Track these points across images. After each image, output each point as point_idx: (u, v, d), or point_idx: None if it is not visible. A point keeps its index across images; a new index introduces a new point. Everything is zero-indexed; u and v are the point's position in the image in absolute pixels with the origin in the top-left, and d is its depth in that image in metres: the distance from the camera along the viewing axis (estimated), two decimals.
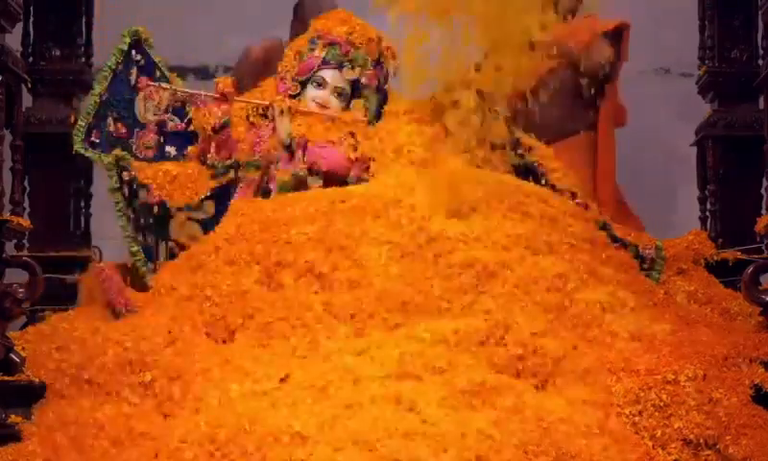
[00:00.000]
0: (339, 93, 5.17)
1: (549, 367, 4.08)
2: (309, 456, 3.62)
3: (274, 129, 5.12)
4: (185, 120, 5.14)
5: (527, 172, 5.13)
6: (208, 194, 4.97)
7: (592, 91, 5.36)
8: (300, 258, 4.42)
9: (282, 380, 3.95)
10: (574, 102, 5.38)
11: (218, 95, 5.04)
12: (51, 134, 5.44)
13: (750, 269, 4.43)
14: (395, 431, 3.71)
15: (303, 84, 5.19)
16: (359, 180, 5.01)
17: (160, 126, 5.12)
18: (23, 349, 4.21)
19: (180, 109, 5.15)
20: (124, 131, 5.07)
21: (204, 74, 6.77)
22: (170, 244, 4.88)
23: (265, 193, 5.03)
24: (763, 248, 5.17)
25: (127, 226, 4.83)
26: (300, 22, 5.48)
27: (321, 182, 4.99)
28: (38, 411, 4.03)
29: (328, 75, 5.16)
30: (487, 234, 4.46)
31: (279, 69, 5.26)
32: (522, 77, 4.95)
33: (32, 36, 5.51)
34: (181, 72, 5.75)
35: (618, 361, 4.06)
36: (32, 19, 5.49)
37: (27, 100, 5.29)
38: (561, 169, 5.11)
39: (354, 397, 3.86)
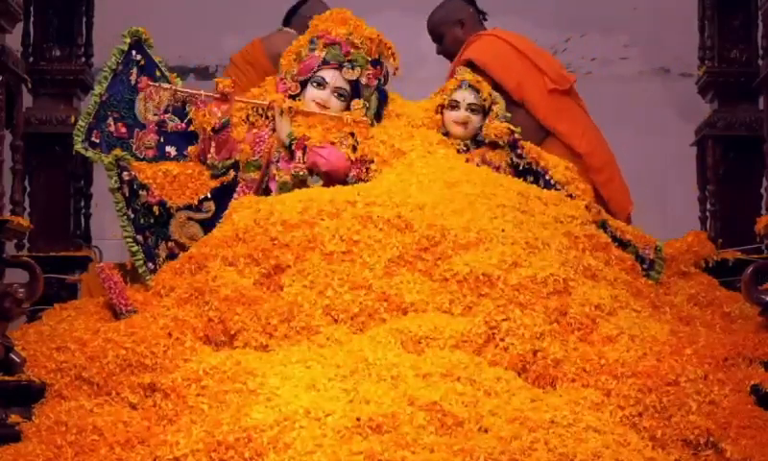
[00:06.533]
0: (339, 93, 5.16)
1: (550, 369, 4.09)
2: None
3: (274, 129, 5.12)
4: (185, 120, 5.13)
5: (527, 172, 5.13)
6: (208, 194, 4.97)
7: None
8: (299, 260, 4.42)
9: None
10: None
11: (218, 95, 5.03)
12: (51, 134, 5.45)
13: (750, 269, 4.42)
14: (394, 433, 3.71)
15: (303, 85, 5.18)
16: (359, 180, 5.01)
17: (160, 126, 5.11)
18: (23, 349, 4.21)
19: (180, 109, 5.14)
20: (124, 131, 5.06)
21: (203, 74, 6.78)
22: (170, 244, 4.87)
23: (265, 193, 5.03)
24: (763, 248, 5.17)
25: (127, 226, 4.82)
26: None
27: (321, 183, 4.99)
28: (38, 411, 4.02)
29: (328, 75, 5.15)
30: (487, 236, 4.45)
31: (279, 69, 5.26)
32: None
33: (32, 36, 5.52)
34: (181, 72, 5.76)
35: (618, 362, 4.07)
36: (32, 19, 5.50)
37: (27, 100, 5.29)
38: (560, 169, 5.11)
39: (354, 398, 3.86)
